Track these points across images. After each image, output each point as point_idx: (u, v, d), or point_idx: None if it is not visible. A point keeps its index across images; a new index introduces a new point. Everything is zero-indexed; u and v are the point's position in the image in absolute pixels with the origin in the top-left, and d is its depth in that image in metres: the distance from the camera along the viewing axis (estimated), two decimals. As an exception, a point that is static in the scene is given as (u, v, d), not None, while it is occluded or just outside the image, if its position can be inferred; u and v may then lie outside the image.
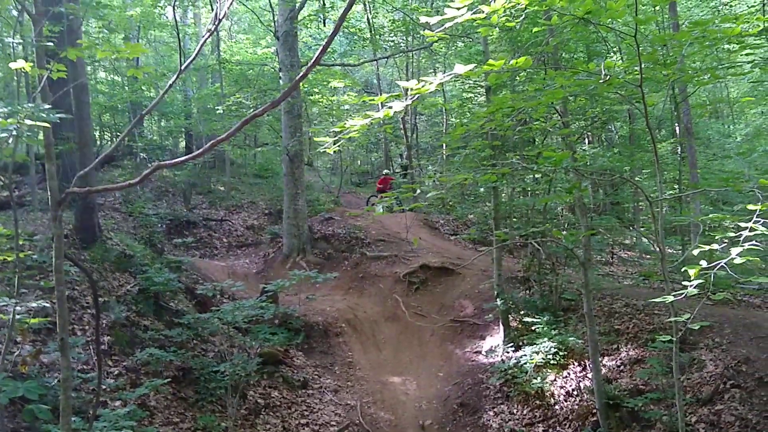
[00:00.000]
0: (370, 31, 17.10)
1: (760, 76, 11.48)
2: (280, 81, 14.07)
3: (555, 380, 7.15)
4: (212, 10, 12.66)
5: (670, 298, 3.57)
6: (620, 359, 6.95)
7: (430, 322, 10.03)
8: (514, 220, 11.23)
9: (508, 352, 8.09)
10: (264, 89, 16.20)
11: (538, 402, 7.08)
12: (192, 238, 14.39)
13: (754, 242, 3.25)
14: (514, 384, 7.44)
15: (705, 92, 17.69)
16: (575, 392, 6.89)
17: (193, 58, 3.33)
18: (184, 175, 17.08)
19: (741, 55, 8.71)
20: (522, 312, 8.40)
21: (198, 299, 9.12)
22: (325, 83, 17.58)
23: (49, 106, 3.33)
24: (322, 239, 13.80)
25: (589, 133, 14.59)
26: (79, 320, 6.81)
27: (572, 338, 7.35)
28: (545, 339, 7.52)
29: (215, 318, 7.31)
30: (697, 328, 4.13)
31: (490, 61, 3.31)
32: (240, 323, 7.57)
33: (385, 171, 19.29)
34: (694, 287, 3.33)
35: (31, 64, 3.46)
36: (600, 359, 6.57)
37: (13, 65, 3.53)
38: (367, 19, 17.51)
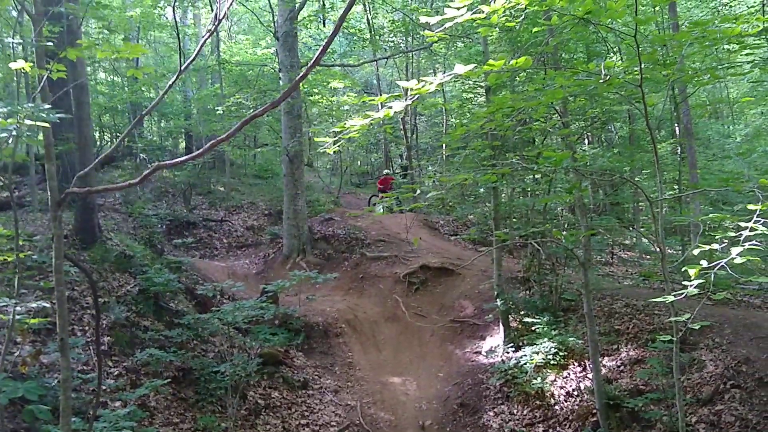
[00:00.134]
0: (370, 32, 17.10)
1: (760, 76, 11.49)
2: (280, 81, 14.07)
3: (555, 380, 7.15)
4: (212, 10, 12.67)
5: (671, 298, 3.56)
6: (620, 359, 6.95)
7: (430, 323, 10.02)
8: (514, 220, 11.22)
9: (508, 353, 8.08)
10: (264, 90, 16.21)
11: (538, 402, 7.08)
12: (192, 238, 14.38)
13: (754, 242, 3.25)
14: (514, 384, 7.44)
15: (705, 92, 17.68)
16: (575, 392, 6.89)
17: (193, 59, 3.33)
18: (183, 175, 17.08)
19: (741, 55, 8.73)
20: (522, 312, 8.40)
21: (198, 300, 9.12)
22: (324, 84, 17.57)
23: (49, 107, 3.32)
24: (322, 240, 13.80)
25: (589, 134, 14.58)
26: (79, 321, 6.81)
27: (572, 338, 7.35)
28: (545, 339, 7.51)
29: (215, 318, 7.31)
30: (697, 328, 4.13)
31: (490, 62, 3.31)
32: (240, 324, 7.57)
33: (386, 171, 19.27)
34: (695, 287, 3.33)
35: (31, 64, 3.46)
36: (600, 359, 6.57)
37: (13, 65, 3.53)
38: (367, 19, 17.52)
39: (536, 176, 9.35)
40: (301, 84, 10.14)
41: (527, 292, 9.14)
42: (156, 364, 6.64)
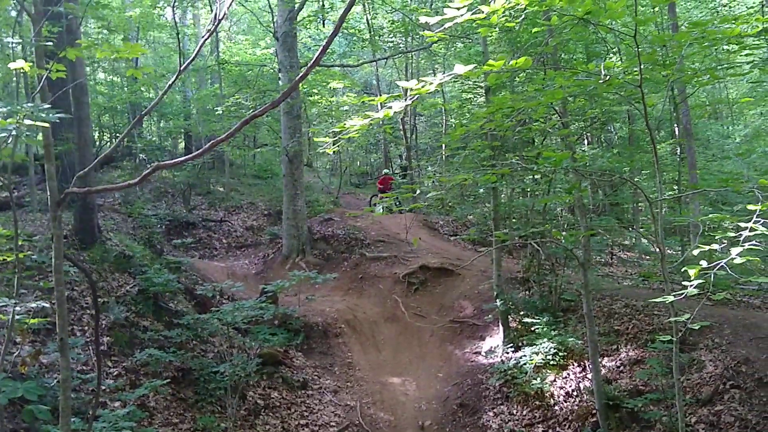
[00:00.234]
0: (370, 32, 17.10)
1: (759, 76, 11.49)
2: (280, 82, 14.07)
3: (555, 381, 7.15)
4: (211, 10, 12.66)
5: (670, 299, 3.56)
6: (620, 360, 6.95)
7: (430, 323, 10.02)
8: (514, 220, 11.22)
9: (507, 353, 8.08)
10: (263, 90, 16.20)
11: (537, 402, 7.08)
12: (191, 238, 14.37)
13: (754, 242, 3.25)
14: (514, 384, 7.44)
15: (704, 93, 17.69)
16: (575, 393, 6.89)
17: (193, 59, 3.33)
18: (183, 175, 17.07)
19: (740, 55, 8.72)
20: (521, 312, 8.40)
21: (197, 300, 9.11)
22: (324, 84, 17.57)
23: (48, 107, 3.32)
24: (321, 240, 13.80)
25: (589, 134, 14.58)
26: (79, 321, 6.81)
27: (572, 339, 7.35)
28: (545, 339, 7.51)
29: (215, 319, 7.31)
30: (697, 328, 4.14)
31: (490, 62, 3.31)
32: (239, 324, 7.57)
33: (385, 171, 19.27)
34: (694, 287, 3.33)
35: (31, 64, 3.46)
36: (600, 360, 6.57)
37: (12, 65, 3.53)
38: (367, 19, 17.53)
39: (536, 176, 9.34)
40: (300, 84, 10.14)
41: (527, 292, 9.14)
42: (155, 365, 6.64)
